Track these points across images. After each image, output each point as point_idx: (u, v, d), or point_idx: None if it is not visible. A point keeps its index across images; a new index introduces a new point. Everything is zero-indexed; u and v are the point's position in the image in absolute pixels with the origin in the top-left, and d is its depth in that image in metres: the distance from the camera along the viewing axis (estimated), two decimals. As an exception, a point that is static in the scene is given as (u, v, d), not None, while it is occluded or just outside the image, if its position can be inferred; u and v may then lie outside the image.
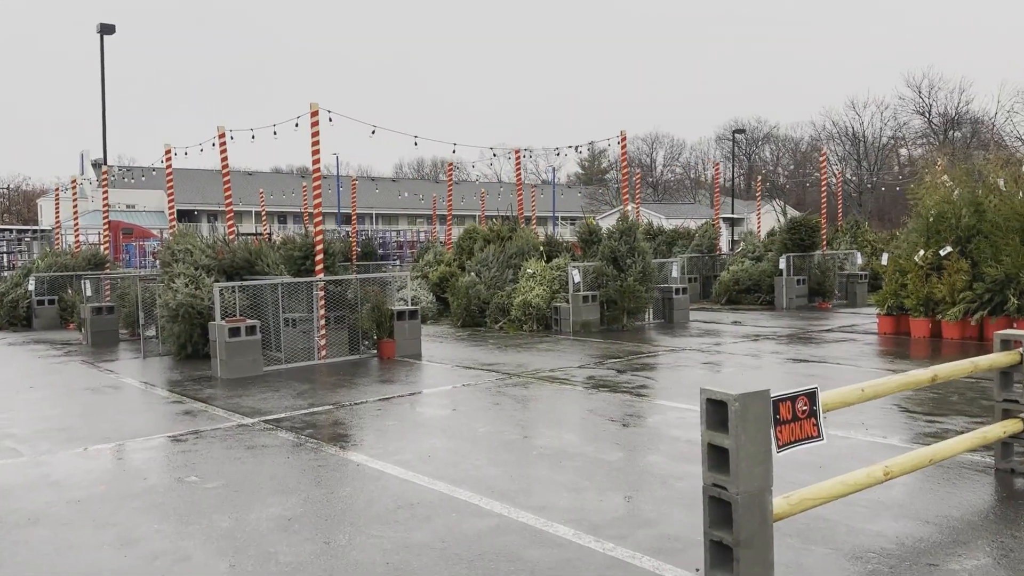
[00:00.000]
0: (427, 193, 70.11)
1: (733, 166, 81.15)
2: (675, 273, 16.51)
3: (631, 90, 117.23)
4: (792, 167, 75.98)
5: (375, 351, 12.63)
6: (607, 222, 49.88)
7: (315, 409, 8.68)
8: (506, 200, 56.49)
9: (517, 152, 18.13)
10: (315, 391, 9.83)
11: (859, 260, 20.43)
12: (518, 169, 19.02)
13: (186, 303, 12.50)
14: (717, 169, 25.36)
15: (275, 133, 13.53)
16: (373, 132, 13.86)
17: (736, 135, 78.92)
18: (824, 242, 19.76)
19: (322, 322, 12.05)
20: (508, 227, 17.53)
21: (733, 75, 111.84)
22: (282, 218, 67.37)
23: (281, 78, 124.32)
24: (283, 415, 8.44)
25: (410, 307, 12.82)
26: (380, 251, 35.99)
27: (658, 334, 14.43)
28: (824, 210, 20.54)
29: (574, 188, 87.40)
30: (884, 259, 13.72)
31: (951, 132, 61.43)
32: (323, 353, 12.07)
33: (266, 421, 8.16)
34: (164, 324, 13.15)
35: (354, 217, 27.06)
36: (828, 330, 14.35)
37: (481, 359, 11.95)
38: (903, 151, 65.80)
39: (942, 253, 12.60)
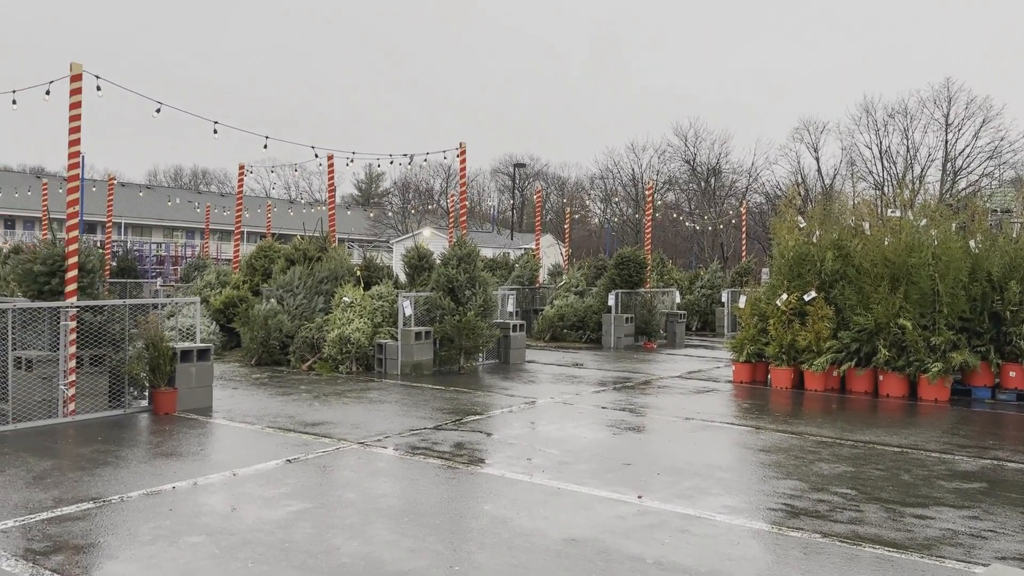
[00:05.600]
0: (184, 204, 63.19)
1: (514, 198, 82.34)
2: (510, 307, 14.68)
3: (399, 112, 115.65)
4: (562, 203, 78.44)
5: (146, 403, 9.43)
6: (399, 248, 47.49)
7: (64, 511, 5.63)
8: (281, 217, 52.21)
9: (331, 157, 15.45)
10: (61, 472, 6.66)
11: (677, 298, 19.95)
12: (331, 177, 16.28)
13: None
14: (652, 192, 24.09)
15: (14, 103, 9.91)
16: (158, 111, 10.63)
17: (517, 168, 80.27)
18: (648, 280, 19.01)
19: (72, 364, 8.70)
20: (317, 246, 14.75)
21: (507, 110, 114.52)
22: (10, 222, 57.53)
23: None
24: (10, 521, 5.35)
25: (199, 344, 9.76)
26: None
27: (502, 379, 12.43)
28: (649, 246, 19.86)
29: (353, 210, 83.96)
30: (741, 302, 12.88)
31: (712, 179, 66.39)
32: (71, 408, 8.70)
33: (-23, 539, 5.04)
34: None
35: (109, 224, 22.52)
36: (679, 376, 13.18)
37: (299, 415, 9.22)
38: (670, 195, 69.99)
39: (806, 298, 11.85)
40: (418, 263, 13.92)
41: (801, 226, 12.79)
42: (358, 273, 14.12)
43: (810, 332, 11.67)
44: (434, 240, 32.29)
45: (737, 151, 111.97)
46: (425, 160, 15.59)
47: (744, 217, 28.14)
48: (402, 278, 15.80)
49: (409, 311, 12.53)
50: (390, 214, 70.69)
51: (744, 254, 26.42)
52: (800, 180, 57.65)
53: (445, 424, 8.85)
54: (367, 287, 13.87)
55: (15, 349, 8.54)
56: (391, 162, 14.97)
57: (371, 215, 70.64)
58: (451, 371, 12.97)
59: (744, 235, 27.60)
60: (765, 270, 28.86)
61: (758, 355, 12.40)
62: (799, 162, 60.42)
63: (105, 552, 4.86)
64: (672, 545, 5.11)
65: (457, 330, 12.56)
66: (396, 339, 12.59)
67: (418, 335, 12.50)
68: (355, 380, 11.97)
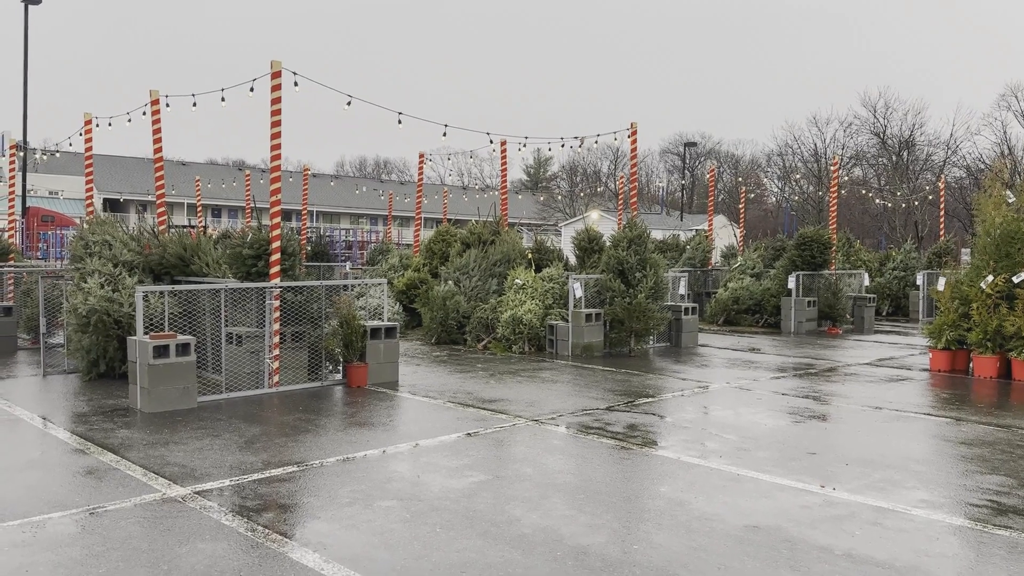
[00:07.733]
0: (369, 192, 66.84)
1: (684, 178, 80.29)
2: (682, 290, 14.43)
3: (570, 99, 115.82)
4: (734, 183, 75.35)
5: (340, 377, 10.15)
6: (567, 231, 47.78)
7: (271, 473, 6.20)
8: (455, 203, 54.06)
9: (503, 143, 15.83)
10: (268, 438, 7.33)
11: (866, 281, 18.73)
12: (504, 163, 16.70)
13: (100, 309, 9.82)
14: (837, 167, 23.36)
15: (223, 99, 10.92)
16: (349, 103, 11.35)
17: (687, 147, 78.05)
18: (832, 261, 17.98)
19: (276, 340, 9.52)
20: (490, 230, 15.18)
21: (677, 90, 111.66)
22: (216, 211, 63.45)
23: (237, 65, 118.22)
24: (226, 481, 5.96)
25: (387, 323, 10.37)
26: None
27: (673, 362, 12.27)
28: (834, 225, 18.78)
29: (522, 195, 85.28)
30: (940, 284, 11.92)
31: (904, 153, 61.48)
32: (275, 379, 9.53)
33: (201, 493, 5.67)
34: (72, 334, 10.43)
35: (305, 212, 24.31)
36: (868, 364, 12.42)
37: (476, 392, 9.59)
38: (856, 171, 65.57)
39: (1016, 280, 10.78)
40: (588, 245, 13.98)
41: (1010, 201, 11.64)
42: (529, 256, 14.40)
43: (1019, 317, 10.61)
44: (602, 222, 32.22)
45: (933, 121, 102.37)
46: (596, 142, 15.60)
47: (942, 193, 25.86)
48: (571, 260, 15.94)
49: (579, 293, 12.62)
50: (559, 198, 71.09)
51: (942, 233, 24.34)
52: (1007, 151, 52.22)
53: (617, 405, 8.88)
54: (538, 269, 14.12)
55: (227, 325, 9.46)
56: (562, 145, 15.13)
57: (540, 199, 71.48)
58: (621, 353, 12.96)
59: (942, 212, 25.39)
60: (965, 250, 26.41)
61: (959, 342, 11.44)
62: (1005, 132, 54.70)
63: (308, 512, 5.32)
64: (863, 538, 4.87)
65: (627, 312, 12.51)
66: (567, 320, 12.74)
67: (588, 317, 12.57)
68: (527, 360, 12.25)
